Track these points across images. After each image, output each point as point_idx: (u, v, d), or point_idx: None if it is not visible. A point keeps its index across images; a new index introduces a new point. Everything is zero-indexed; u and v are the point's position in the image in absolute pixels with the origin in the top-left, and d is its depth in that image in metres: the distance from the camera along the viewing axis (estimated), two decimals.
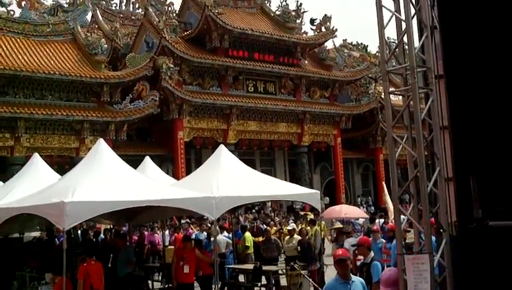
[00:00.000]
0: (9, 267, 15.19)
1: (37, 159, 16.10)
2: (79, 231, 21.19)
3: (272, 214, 36.82)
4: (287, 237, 17.70)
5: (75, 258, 13.77)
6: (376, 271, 8.64)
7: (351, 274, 7.24)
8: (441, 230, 5.00)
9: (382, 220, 24.09)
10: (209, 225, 20.00)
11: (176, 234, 20.99)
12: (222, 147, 15.98)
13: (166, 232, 21.34)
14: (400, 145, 5.43)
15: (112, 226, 21.65)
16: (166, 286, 15.90)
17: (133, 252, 16.18)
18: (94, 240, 19.62)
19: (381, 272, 9.07)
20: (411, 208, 5.20)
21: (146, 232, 22.19)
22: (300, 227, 20.04)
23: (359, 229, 25.40)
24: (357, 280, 7.20)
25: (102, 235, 21.55)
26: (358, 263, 10.29)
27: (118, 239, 15.09)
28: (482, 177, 4.61)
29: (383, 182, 26.67)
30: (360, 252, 10.20)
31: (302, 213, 34.56)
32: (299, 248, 16.46)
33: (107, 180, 12.09)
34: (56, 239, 19.51)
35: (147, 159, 18.42)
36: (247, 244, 17.95)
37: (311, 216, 30.34)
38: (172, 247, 18.48)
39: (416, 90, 5.16)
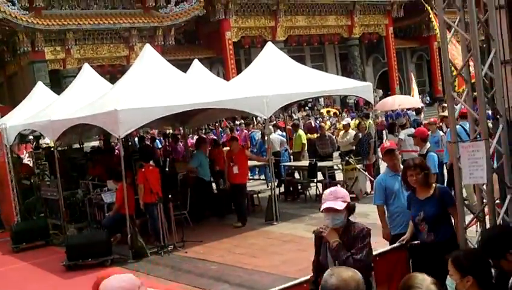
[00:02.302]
0: (73, 176, 15.72)
1: (87, 70, 16.20)
2: (136, 138, 21.63)
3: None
4: (342, 132, 17.56)
5: (133, 164, 14.11)
6: (432, 162, 8.47)
7: (400, 165, 7.10)
8: (497, 116, 4.79)
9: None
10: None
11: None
12: (270, 45, 15.70)
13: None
14: (452, 30, 5.15)
15: (169, 132, 22.03)
16: (225, 185, 16.17)
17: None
18: (151, 145, 19.99)
19: (437, 163, 8.94)
20: (465, 94, 4.98)
21: (204, 136, 22.44)
22: (357, 122, 19.77)
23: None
24: None
25: (158, 142, 21.98)
26: (415, 154, 10.16)
27: (202, 144, 15.10)
28: None
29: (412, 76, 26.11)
30: (415, 142, 10.09)
31: (324, 110, 33.96)
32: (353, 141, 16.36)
33: (158, 85, 12.12)
34: (114, 147, 20.03)
35: (196, 62, 18.24)
36: (303, 141, 17.90)
37: (333, 111, 29.97)
38: (228, 148, 18.66)
39: None
